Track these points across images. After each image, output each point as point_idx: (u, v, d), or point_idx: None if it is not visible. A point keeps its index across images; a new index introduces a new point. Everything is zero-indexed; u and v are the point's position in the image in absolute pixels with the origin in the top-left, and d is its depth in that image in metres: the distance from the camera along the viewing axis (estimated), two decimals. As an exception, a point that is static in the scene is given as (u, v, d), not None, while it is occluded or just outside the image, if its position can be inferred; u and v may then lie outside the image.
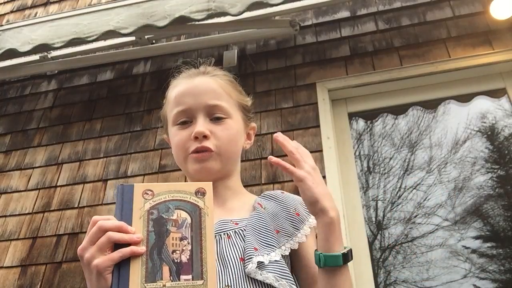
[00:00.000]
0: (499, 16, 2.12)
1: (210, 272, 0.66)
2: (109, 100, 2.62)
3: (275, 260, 0.81)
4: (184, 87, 0.96)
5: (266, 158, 2.10)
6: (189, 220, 0.69)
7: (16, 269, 2.12)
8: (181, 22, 2.18)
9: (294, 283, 0.81)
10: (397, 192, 2.10)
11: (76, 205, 2.24)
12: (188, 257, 0.67)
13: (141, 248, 0.66)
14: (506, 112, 2.10)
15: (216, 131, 0.92)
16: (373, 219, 2.06)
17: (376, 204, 2.10)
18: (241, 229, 0.86)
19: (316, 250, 0.79)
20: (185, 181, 1.05)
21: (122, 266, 0.65)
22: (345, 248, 0.77)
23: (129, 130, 2.44)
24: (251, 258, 0.79)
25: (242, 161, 2.10)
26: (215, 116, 0.93)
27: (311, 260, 0.85)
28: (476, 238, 1.91)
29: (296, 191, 2.09)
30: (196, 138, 0.89)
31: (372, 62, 2.26)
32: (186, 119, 0.93)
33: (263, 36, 2.48)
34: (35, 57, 2.68)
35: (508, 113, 2.10)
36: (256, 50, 2.51)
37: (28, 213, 2.29)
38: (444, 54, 2.17)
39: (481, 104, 2.16)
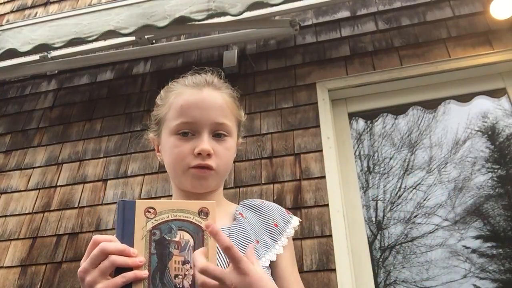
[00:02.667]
0: (499, 16, 2.12)
1: None
2: (109, 100, 2.62)
3: None
4: (192, 98, 0.93)
5: (266, 158, 2.10)
6: (191, 242, 0.67)
7: (16, 269, 2.12)
8: (181, 22, 2.18)
9: None
10: (397, 192, 2.10)
11: (76, 205, 2.24)
12: (190, 282, 0.65)
13: (144, 272, 0.65)
14: (506, 112, 2.10)
15: (218, 149, 0.91)
16: (373, 219, 2.06)
17: (376, 204, 2.10)
18: None
19: None
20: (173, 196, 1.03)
21: None
22: None
23: (129, 130, 2.44)
24: None
25: (242, 161, 2.12)
26: (217, 132, 0.93)
27: (285, 271, 0.87)
28: (476, 238, 1.91)
29: (295, 192, 2.09)
30: (199, 154, 0.89)
31: (372, 62, 2.26)
32: (188, 131, 0.92)
33: (263, 36, 2.48)
34: (35, 57, 2.68)
35: (508, 113, 2.09)
36: (256, 50, 2.51)
37: (28, 213, 2.29)
38: (444, 54, 2.17)
39: (481, 104, 2.16)
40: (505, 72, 2.12)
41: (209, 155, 0.89)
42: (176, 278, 0.65)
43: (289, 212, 1.01)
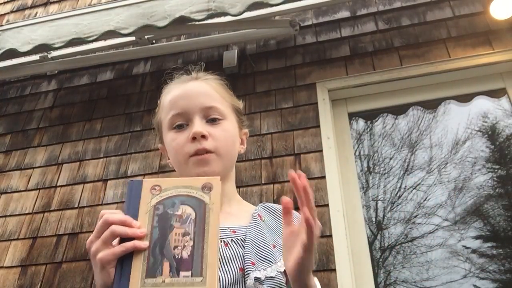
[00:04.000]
0: (499, 16, 2.12)
1: (210, 269, 0.65)
2: (109, 100, 2.63)
3: (271, 276, 0.81)
4: (178, 91, 0.95)
5: (266, 158, 2.10)
6: (193, 215, 0.69)
7: (16, 269, 2.12)
8: (181, 22, 2.18)
9: None
10: (397, 192, 2.10)
11: (76, 205, 2.24)
12: (189, 253, 0.66)
13: (144, 243, 0.66)
14: (506, 112, 2.10)
15: (214, 132, 0.91)
16: (373, 219, 2.06)
17: (376, 204, 2.10)
18: (238, 238, 0.86)
19: None
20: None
21: (125, 261, 0.66)
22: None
23: (129, 130, 2.44)
24: (249, 273, 0.79)
25: (242, 161, 2.11)
26: (211, 117, 0.92)
27: None
28: (476, 238, 1.91)
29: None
30: (194, 139, 0.88)
31: (372, 62, 2.26)
32: (182, 122, 0.92)
33: (263, 36, 2.48)
34: (35, 57, 2.68)
35: (508, 113, 2.10)
36: (256, 50, 2.51)
37: (28, 213, 2.29)
38: (444, 54, 2.17)
39: (481, 104, 2.16)
40: (505, 72, 2.12)
41: (204, 137, 0.89)
42: (176, 249, 0.66)
43: None
